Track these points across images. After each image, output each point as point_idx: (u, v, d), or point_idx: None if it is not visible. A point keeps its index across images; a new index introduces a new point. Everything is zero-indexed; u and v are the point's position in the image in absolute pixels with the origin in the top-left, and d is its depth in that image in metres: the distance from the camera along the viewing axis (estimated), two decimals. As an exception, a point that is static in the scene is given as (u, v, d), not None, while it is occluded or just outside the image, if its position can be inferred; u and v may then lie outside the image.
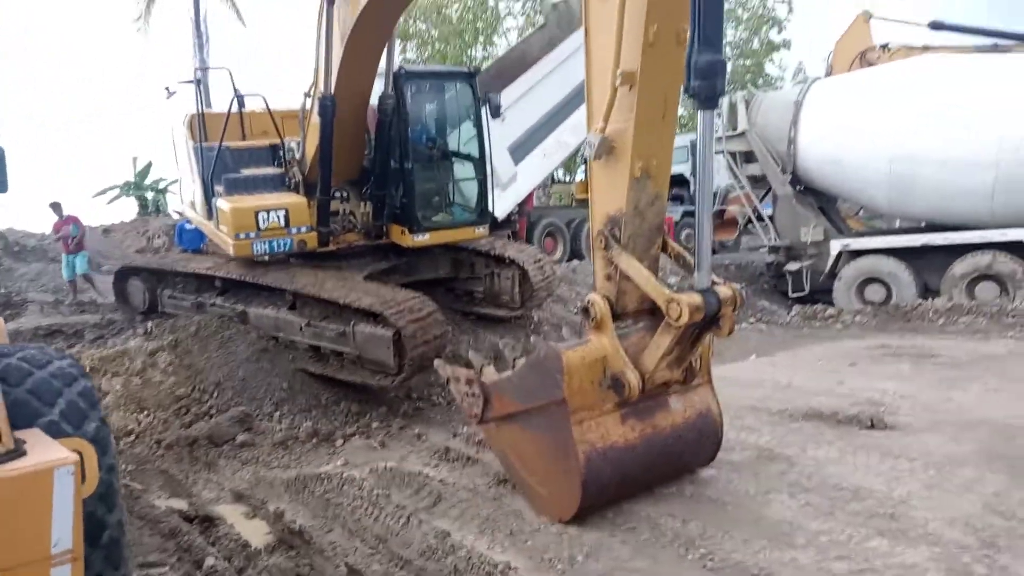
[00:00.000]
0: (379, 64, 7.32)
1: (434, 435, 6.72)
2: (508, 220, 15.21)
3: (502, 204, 13.75)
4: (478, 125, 8.46)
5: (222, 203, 7.73)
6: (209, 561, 3.97)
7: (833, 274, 12.67)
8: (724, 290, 4.22)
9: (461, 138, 8.58)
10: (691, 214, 20.02)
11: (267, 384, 7.20)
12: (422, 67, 8.09)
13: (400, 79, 7.77)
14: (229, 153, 8.19)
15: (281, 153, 8.27)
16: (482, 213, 8.59)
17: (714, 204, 20.37)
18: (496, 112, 8.82)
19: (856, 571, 3.55)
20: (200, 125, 8.39)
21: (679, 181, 22.30)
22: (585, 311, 4.40)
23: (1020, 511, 4.06)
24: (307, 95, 7.60)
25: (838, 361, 8.17)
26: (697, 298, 4.06)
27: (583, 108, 14.35)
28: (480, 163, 8.52)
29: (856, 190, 12.92)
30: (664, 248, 4.59)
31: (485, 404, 4.83)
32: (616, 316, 4.38)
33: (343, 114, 7.19)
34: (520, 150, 14.75)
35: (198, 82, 8.44)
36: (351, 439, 6.76)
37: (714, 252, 19.30)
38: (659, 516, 4.27)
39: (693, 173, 21.53)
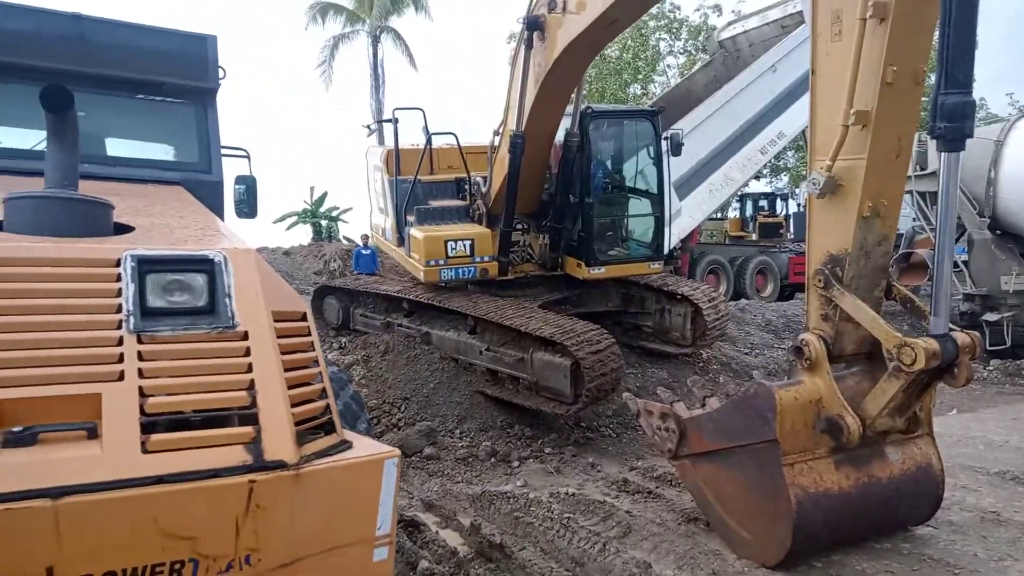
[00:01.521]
0: (567, 105, 7.59)
1: (608, 466, 6.71)
2: (671, 255, 15.06)
3: (711, 201, 13.80)
4: (658, 163, 8.54)
5: (415, 232, 8.22)
6: (423, 564, 4.17)
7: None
8: (962, 337, 3.99)
9: (642, 175, 8.70)
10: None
11: (448, 402, 7.52)
12: (608, 106, 8.29)
13: (586, 118, 8.00)
14: (420, 186, 8.77)
15: (467, 187, 8.75)
16: (657, 249, 8.64)
17: (899, 247, 19.12)
18: (677, 151, 8.88)
19: None
20: (395, 160, 9.01)
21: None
22: (798, 351, 4.27)
23: None
24: (496, 133, 7.99)
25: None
26: (934, 344, 3.86)
27: (752, 143, 14.11)
28: (658, 200, 8.61)
29: (1067, 236, 11.65)
30: (888, 291, 4.40)
31: (680, 440, 4.77)
32: (831, 358, 4.23)
33: (530, 151, 7.50)
34: (685, 186, 14.61)
35: (395, 121, 9.02)
36: (526, 462, 6.89)
37: (891, 297, 18.00)
38: (876, 572, 4.00)
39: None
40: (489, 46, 68.36)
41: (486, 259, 8.08)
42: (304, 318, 2.65)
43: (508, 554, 4.44)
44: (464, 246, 7.98)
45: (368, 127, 10.63)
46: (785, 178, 31.53)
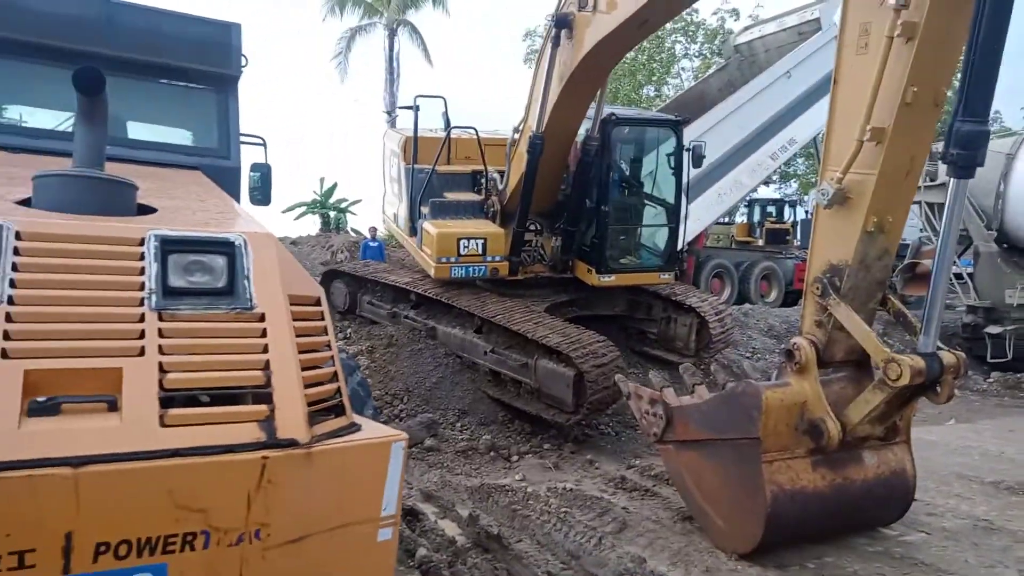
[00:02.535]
0: (589, 106, 7.57)
1: (606, 463, 6.79)
2: (677, 257, 15.11)
3: (721, 203, 13.90)
4: (678, 173, 8.48)
5: (429, 226, 8.20)
6: (422, 551, 4.25)
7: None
8: (948, 356, 4.10)
9: (660, 184, 8.64)
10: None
11: (451, 395, 7.60)
12: (632, 112, 8.25)
13: (609, 124, 7.97)
14: (435, 177, 8.75)
15: (482, 181, 8.72)
16: (669, 259, 8.59)
17: (906, 257, 19.10)
18: (699, 162, 8.86)
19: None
20: (413, 148, 8.96)
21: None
22: (789, 354, 4.40)
23: None
24: (516, 130, 7.97)
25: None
26: (920, 362, 3.98)
27: (763, 149, 14.05)
28: (674, 210, 8.56)
29: (1076, 252, 11.66)
30: (883, 304, 4.50)
31: (667, 425, 4.95)
32: (820, 363, 4.35)
33: (549, 151, 7.47)
34: (694, 189, 14.61)
35: (416, 108, 8.99)
36: (525, 457, 6.97)
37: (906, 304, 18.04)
38: (867, 575, 4.06)
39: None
40: (503, 42, 68.43)
41: (497, 259, 8.09)
42: (319, 302, 2.72)
43: (505, 545, 4.51)
44: (477, 245, 7.98)
45: (389, 113, 10.68)
46: (794, 185, 31.53)
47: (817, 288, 4.31)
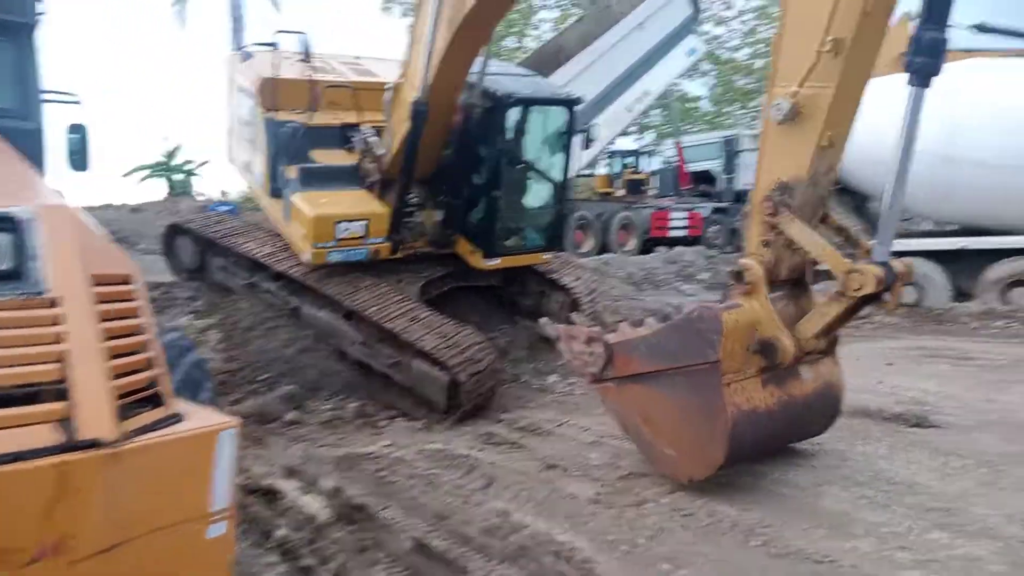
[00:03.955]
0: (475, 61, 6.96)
1: (474, 420, 6.80)
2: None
3: (582, 157, 13.52)
4: (567, 152, 8.13)
5: (301, 203, 7.28)
6: (280, 532, 4.08)
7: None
8: (897, 264, 4.16)
9: (549, 163, 8.19)
10: (721, 210, 20.02)
11: (315, 363, 7.31)
12: (528, 92, 7.63)
13: (505, 104, 7.35)
14: (297, 130, 7.58)
15: (354, 137, 7.82)
16: (552, 239, 8.38)
17: (744, 202, 20.39)
18: (589, 143, 8.61)
19: (920, 561, 3.60)
20: (273, 92, 7.76)
21: (708, 178, 22.29)
22: (738, 275, 4.35)
23: (1081, 511, 4.09)
24: (392, 89, 7.19)
25: (875, 360, 8.16)
26: (880, 270, 4.01)
27: (619, 101, 14.13)
28: (562, 191, 8.25)
29: (894, 191, 12.84)
30: (823, 220, 4.49)
31: (606, 363, 4.81)
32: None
33: (433, 114, 6.83)
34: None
35: (276, 46, 7.76)
36: (394, 420, 6.86)
37: (740, 249, 19.32)
38: (717, 504, 4.32)
39: (723, 169, 21.51)
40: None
41: (379, 240, 7.38)
42: (129, 280, 2.45)
43: (370, 515, 4.43)
44: (358, 227, 7.20)
45: (242, 50, 9.17)
46: (650, 136, 32.70)
47: (767, 206, 4.24)
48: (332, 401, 7.05)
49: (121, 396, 2.09)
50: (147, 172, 28.17)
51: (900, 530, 3.91)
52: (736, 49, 34.15)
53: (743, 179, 21.55)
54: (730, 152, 20.99)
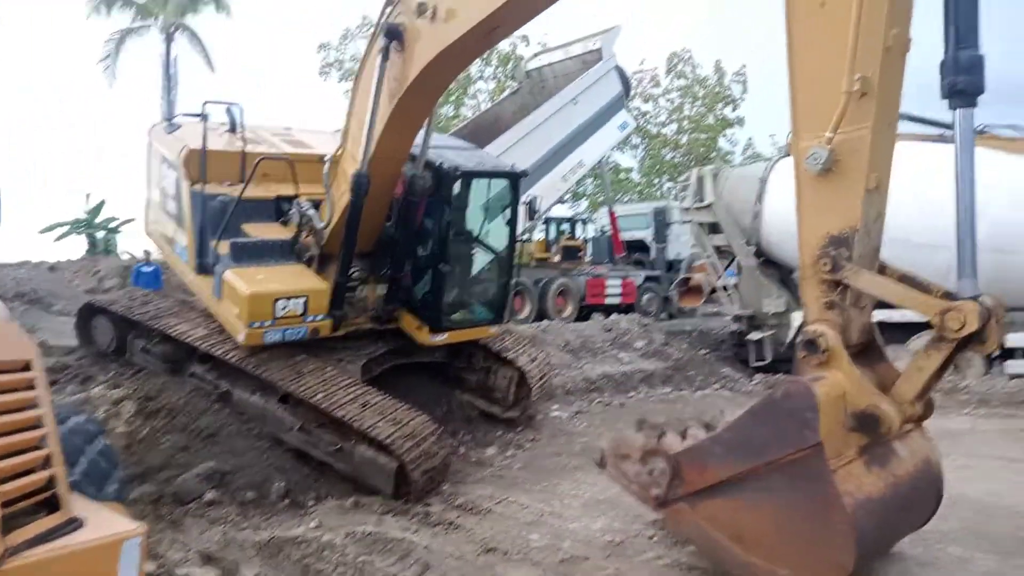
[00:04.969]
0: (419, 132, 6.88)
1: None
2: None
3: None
4: (512, 224, 8.07)
5: (234, 280, 6.78)
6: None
7: (794, 344, 12.98)
8: (989, 299, 3.76)
9: (495, 236, 8.11)
10: (654, 279, 20.47)
11: (237, 439, 6.88)
12: (473, 165, 7.52)
13: (451, 177, 7.26)
14: (228, 203, 7.24)
15: (290, 210, 7.44)
16: (498, 312, 8.21)
17: (679, 271, 20.92)
18: (532, 215, 8.56)
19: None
20: (201, 164, 7.33)
21: (641, 247, 22.86)
22: (810, 345, 3.84)
23: (1014, 593, 4.12)
24: (331, 161, 6.90)
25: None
26: (975, 304, 3.63)
27: (555, 171, 14.40)
28: (507, 262, 8.14)
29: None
30: (882, 272, 4.09)
31: (672, 479, 4.10)
32: None
33: (375, 187, 6.54)
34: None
35: (205, 117, 7.40)
36: (324, 500, 6.47)
37: (673, 317, 19.76)
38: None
39: (655, 239, 22.14)
40: (298, 50, 65.86)
41: (319, 318, 6.91)
42: (28, 367, 2.20)
43: (294, 610, 4.09)
44: (297, 305, 6.72)
45: (170, 122, 8.78)
46: (585, 203, 33.51)
47: (825, 265, 3.85)
48: (257, 478, 6.61)
49: (9, 502, 1.83)
50: (66, 228, 26.94)
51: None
52: (663, 125, 35.78)
53: (674, 249, 22.25)
54: (660, 222, 21.67)
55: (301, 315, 6.79)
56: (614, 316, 15.43)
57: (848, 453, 3.76)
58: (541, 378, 8.34)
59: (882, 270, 4.07)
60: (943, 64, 3.78)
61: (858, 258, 3.83)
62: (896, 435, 4.00)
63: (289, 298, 6.70)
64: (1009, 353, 11.32)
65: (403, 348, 7.85)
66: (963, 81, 3.72)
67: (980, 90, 3.77)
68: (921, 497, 4.22)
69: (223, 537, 5.56)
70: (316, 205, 7.25)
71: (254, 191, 7.48)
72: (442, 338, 7.59)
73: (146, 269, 13.49)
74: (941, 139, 14.07)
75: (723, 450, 3.93)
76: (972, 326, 3.57)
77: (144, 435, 6.76)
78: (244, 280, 6.75)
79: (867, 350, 4.07)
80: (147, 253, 13.67)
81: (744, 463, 3.82)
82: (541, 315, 16.72)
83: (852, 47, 3.69)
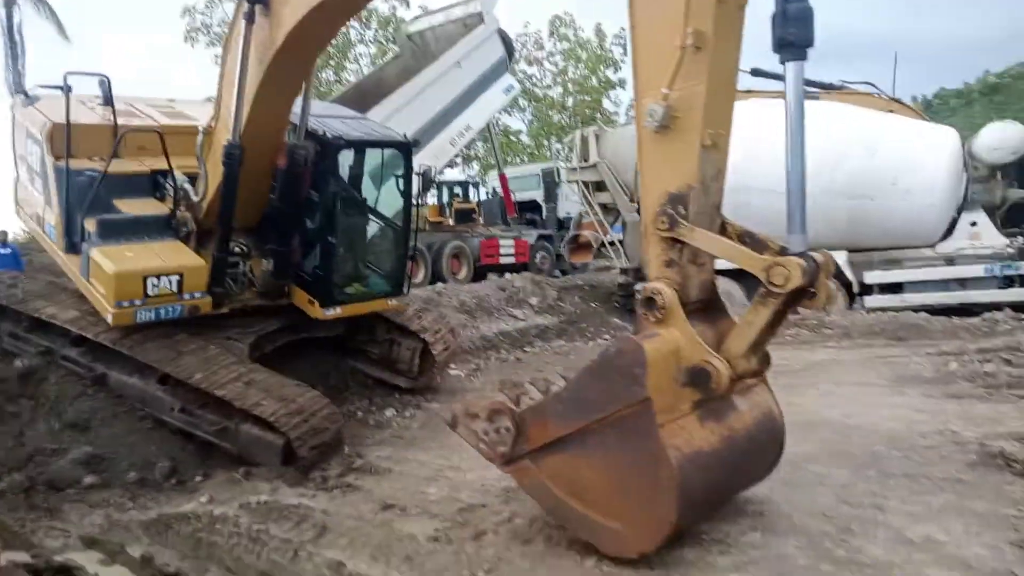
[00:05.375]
0: (296, 99, 6.55)
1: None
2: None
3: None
4: (407, 195, 7.88)
5: (100, 257, 6.41)
6: (75, 615, 3.56)
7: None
8: (817, 255, 3.82)
9: (388, 206, 7.90)
10: (546, 237, 20.82)
11: (117, 419, 6.55)
12: (359, 135, 7.40)
13: (334, 146, 7.02)
14: (96, 178, 6.80)
15: (168, 186, 7.06)
16: (398, 283, 8.04)
17: (569, 229, 21.37)
18: (429, 186, 8.32)
19: (740, 564, 3.83)
20: (66, 139, 6.84)
21: (533, 207, 23.17)
22: (648, 302, 3.87)
23: (865, 500, 4.59)
24: (204, 131, 6.64)
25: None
26: (801, 260, 3.66)
27: (442, 135, 14.29)
28: (403, 234, 7.96)
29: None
30: (722, 230, 4.09)
31: (516, 437, 4.11)
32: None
33: (252, 160, 6.27)
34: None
35: (67, 89, 6.83)
36: (213, 474, 6.28)
37: (565, 273, 20.23)
38: (553, 529, 4.34)
39: (545, 199, 22.47)
40: (161, 14, 61.04)
41: (197, 295, 6.62)
42: None
43: (186, 582, 4.01)
44: (170, 283, 6.41)
45: (26, 95, 8.09)
46: (476, 167, 33.51)
47: (663, 222, 3.86)
48: (140, 457, 6.33)
49: None
50: (-95, 211, 24.33)
51: (719, 535, 4.13)
52: (549, 87, 36.12)
53: (564, 208, 22.68)
54: (549, 183, 22.02)
55: (176, 293, 6.49)
56: (508, 275, 15.66)
57: (682, 408, 3.83)
58: (445, 348, 8.34)
59: (724, 228, 4.10)
60: (773, 17, 3.81)
61: (695, 215, 3.85)
62: (736, 389, 4.10)
63: (160, 276, 6.39)
64: (868, 289, 12.38)
65: (299, 324, 7.63)
66: (792, 34, 3.75)
67: (810, 43, 3.79)
68: (760, 449, 4.30)
69: (106, 520, 5.34)
70: (193, 179, 6.91)
71: (128, 166, 7.13)
72: (335, 312, 7.40)
73: (3, 251, 12.46)
74: (806, 96, 15.04)
75: (562, 407, 3.98)
76: (796, 281, 3.63)
77: (11, 423, 6.33)
78: (110, 258, 6.40)
79: (709, 307, 4.13)
80: (3, 234, 12.59)
81: (580, 419, 3.88)
82: (436, 278, 16.71)
83: (685, 2, 3.68)
